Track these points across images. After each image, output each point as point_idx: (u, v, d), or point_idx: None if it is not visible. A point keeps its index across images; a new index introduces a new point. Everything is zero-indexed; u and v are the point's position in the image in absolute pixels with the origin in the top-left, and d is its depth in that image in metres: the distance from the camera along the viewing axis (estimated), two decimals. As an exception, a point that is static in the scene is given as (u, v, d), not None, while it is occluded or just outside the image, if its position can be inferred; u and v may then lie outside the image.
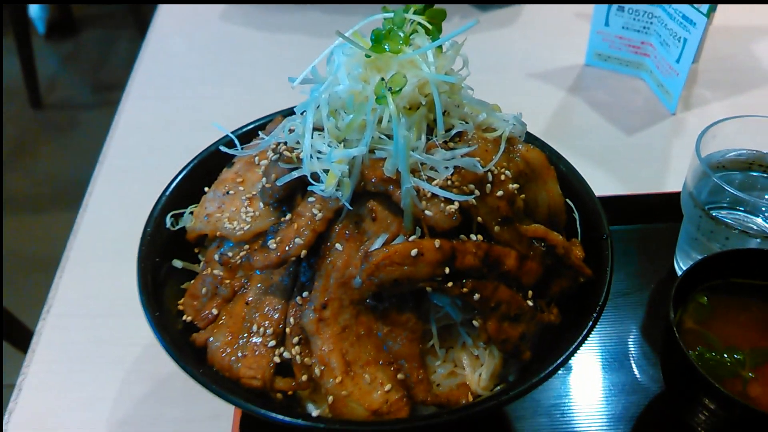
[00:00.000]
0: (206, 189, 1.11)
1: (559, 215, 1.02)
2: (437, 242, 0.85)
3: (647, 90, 1.83)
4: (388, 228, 0.88)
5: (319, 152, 0.87)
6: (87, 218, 1.53)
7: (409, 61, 0.88)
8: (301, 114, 0.92)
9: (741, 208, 1.26)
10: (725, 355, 1.03)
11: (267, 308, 0.93)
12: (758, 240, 1.18)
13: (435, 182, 0.86)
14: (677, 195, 1.32)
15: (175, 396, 1.20)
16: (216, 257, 1.00)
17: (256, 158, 1.04)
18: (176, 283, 1.06)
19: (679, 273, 1.31)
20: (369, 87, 0.85)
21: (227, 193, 1.03)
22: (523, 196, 0.95)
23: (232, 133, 1.18)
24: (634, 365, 1.22)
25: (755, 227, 1.22)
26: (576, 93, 1.84)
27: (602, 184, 1.49)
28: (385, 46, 0.88)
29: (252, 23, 2.15)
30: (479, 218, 0.89)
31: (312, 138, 0.87)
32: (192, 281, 1.03)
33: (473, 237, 0.89)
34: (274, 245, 0.88)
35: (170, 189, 1.11)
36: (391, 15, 0.93)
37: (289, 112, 1.19)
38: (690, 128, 1.70)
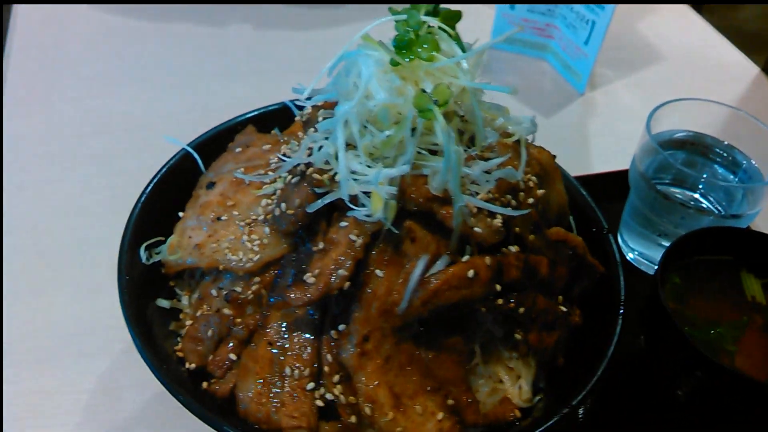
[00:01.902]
0: (180, 213, 0.98)
1: (566, 214, 1.01)
2: (488, 259, 0.81)
3: (553, 71, 1.88)
4: (428, 248, 0.82)
5: (354, 172, 0.79)
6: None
7: (440, 70, 0.82)
8: (318, 130, 0.83)
9: (684, 184, 1.34)
10: (711, 332, 1.08)
11: (296, 347, 0.84)
12: (711, 218, 1.25)
13: (479, 196, 0.81)
14: (615, 174, 1.39)
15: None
16: (214, 292, 0.89)
17: (246, 178, 0.94)
18: (160, 323, 0.93)
19: (624, 247, 1.38)
20: (407, 100, 0.78)
21: (218, 219, 0.92)
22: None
23: (192, 144, 1.06)
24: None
25: (700, 204, 1.31)
26: (486, 77, 1.85)
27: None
28: (410, 54, 0.81)
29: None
30: (516, 228, 0.85)
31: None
32: (189, 323, 0.90)
33: (511, 248, 0.86)
34: (312, 279, 0.79)
35: (135, 215, 0.97)
36: (404, 17, 0.86)
37: (256, 119, 1.09)
38: (600, 107, 1.78)
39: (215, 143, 1.09)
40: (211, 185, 0.96)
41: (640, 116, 1.75)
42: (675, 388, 1.11)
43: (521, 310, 0.85)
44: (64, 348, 1.17)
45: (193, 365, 0.88)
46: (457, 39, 0.85)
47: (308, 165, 0.82)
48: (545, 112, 1.76)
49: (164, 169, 1.03)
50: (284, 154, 0.94)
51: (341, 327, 0.82)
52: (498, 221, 0.82)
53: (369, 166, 0.79)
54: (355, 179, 0.78)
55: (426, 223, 0.82)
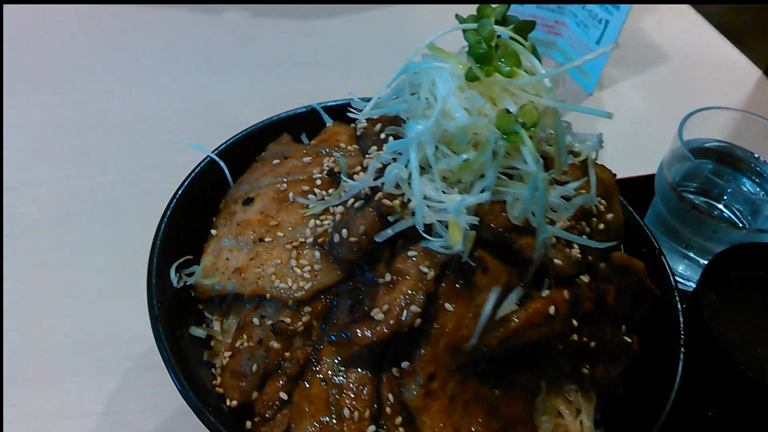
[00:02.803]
0: (213, 231, 0.89)
1: (621, 235, 0.96)
2: (566, 293, 0.75)
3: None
4: (499, 279, 0.76)
5: (427, 198, 0.72)
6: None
7: (520, 87, 0.75)
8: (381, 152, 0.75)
9: (709, 193, 1.32)
10: (756, 351, 1.05)
11: (353, 385, 0.76)
12: (743, 233, 1.22)
13: (558, 225, 0.75)
14: (634, 180, 1.36)
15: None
16: (256, 321, 0.81)
17: (291, 194, 0.85)
18: (193, 352, 0.85)
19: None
20: (489, 121, 0.71)
21: (261, 240, 0.83)
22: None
23: (217, 152, 0.97)
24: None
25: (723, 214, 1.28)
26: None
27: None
28: (489, 69, 0.74)
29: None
30: (589, 257, 0.80)
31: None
32: (227, 355, 0.82)
33: (583, 278, 0.80)
34: (381, 315, 0.72)
35: (161, 232, 0.88)
36: (474, 26, 0.78)
37: (280, 123, 1.01)
38: (608, 107, 1.73)
39: (241, 149, 1.00)
40: (248, 201, 0.88)
41: (648, 118, 1.74)
42: (711, 406, 1.08)
43: (593, 344, 0.79)
44: (66, 365, 1.08)
45: (234, 402, 0.80)
46: (533, 51, 0.78)
47: (373, 188, 0.75)
48: (554, 112, 1.71)
49: (188, 181, 0.94)
50: (332, 170, 0.86)
51: (404, 364, 0.75)
52: (576, 251, 0.76)
53: (444, 192, 0.72)
54: (429, 206, 0.71)
55: (497, 252, 0.76)
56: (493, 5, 0.82)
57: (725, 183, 1.31)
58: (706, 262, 1.28)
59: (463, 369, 0.76)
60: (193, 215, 0.93)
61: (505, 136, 0.70)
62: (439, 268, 0.74)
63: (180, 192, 0.92)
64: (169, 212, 0.90)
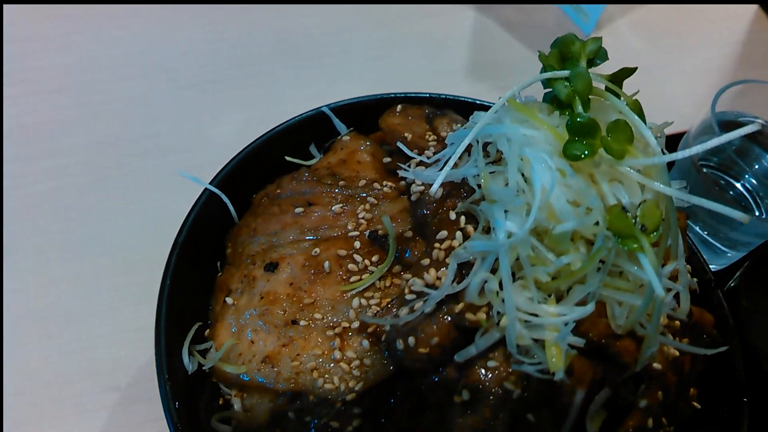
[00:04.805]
0: (228, 300, 0.75)
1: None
2: (660, 394, 0.66)
3: (556, 9, 1.66)
4: (584, 378, 0.65)
5: (518, 309, 0.59)
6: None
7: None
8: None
9: (730, 171, 1.24)
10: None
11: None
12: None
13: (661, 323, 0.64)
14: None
15: None
16: (291, 416, 0.69)
17: (326, 262, 0.71)
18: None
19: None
20: (597, 218, 0.58)
21: (294, 322, 0.69)
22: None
23: (216, 182, 0.80)
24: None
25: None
26: (478, 10, 1.61)
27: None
28: (591, 144, 0.59)
29: None
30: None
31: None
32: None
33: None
34: (460, 443, 0.61)
35: (165, 301, 0.72)
36: (565, 74, 0.63)
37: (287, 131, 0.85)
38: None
39: (244, 170, 0.84)
40: (272, 267, 0.72)
41: (648, 63, 1.61)
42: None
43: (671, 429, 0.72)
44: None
45: None
46: (639, 112, 0.63)
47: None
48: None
49: (188, 225, 0.77)
50: (375, 234, 0.71)
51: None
52: (673, 350, 0.66)
53: (539, 302, 0.59)
54: (521, 319, 0.59)
55: (583, 350, 0.65)
56: (582, 39, 0.66)
57: (750, 163, 1.23)
58: (719, 245, 1.23)
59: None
60: (197, 263, 0.77)
61: (621, 240, 0.57)
62: (526, 384, 0.62)
63: (181, 240, 0.76)
64: (172, 268, 0.74)
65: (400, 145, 0.74)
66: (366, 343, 0.68)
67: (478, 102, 0.94)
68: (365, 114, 0.90)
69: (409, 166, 0.74)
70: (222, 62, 1.40)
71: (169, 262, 0.74)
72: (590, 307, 0.59)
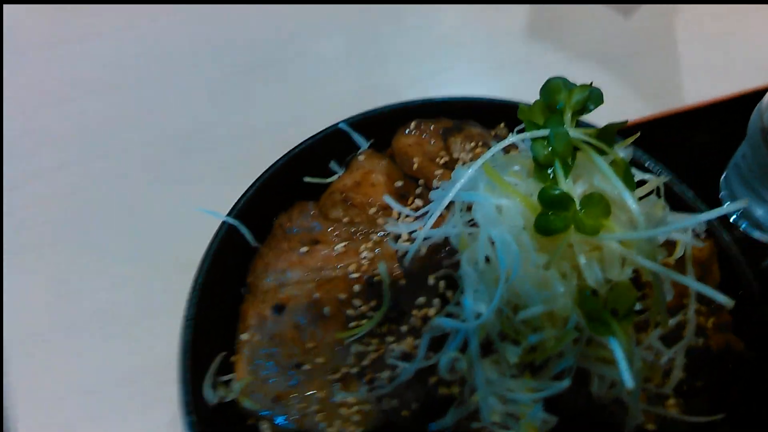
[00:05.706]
0: (244, 336, 0.79)
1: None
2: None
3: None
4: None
5: (490, 382, 0.59)
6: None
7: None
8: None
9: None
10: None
11: None
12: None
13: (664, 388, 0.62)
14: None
15: None
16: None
17: (326, 308, 0.73)
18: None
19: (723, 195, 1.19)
20: (566, 298, 0.56)
21: (299, 366, 0.73)
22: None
23: (234, 213, 0.83)
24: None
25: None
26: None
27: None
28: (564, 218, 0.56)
29: None
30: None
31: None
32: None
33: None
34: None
35: (188, 338, 0.77)
36: (544, 133, 0.59)
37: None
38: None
39: (263, 197, 0.86)
40: (279, 309, 0.75)
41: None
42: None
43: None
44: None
45: None
46: (626, 174, 0.58)
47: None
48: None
49: (208, 260, 0.81)
50: (371, 279, 0.72)
51: None
52: (673, 407, 0.64)
53: (512, 376, 0.59)
54: (493, 392, 0.59)
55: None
56: (569, 85, 0.61)
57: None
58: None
59: None
60: (219, 296, 0.82)
61: (590, 325, 0.55)
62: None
63: (200, 281, 0.80)
64: (195, 301, 0.79)
65: (386, 198, 0.73)
66: (363, 390, 0.70)
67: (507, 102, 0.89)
68: (385, 126, 0.89)
69: (398, 215, 0.73)
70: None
71: (190, 304, 0.79)
72: (566, 383, 0.58)
